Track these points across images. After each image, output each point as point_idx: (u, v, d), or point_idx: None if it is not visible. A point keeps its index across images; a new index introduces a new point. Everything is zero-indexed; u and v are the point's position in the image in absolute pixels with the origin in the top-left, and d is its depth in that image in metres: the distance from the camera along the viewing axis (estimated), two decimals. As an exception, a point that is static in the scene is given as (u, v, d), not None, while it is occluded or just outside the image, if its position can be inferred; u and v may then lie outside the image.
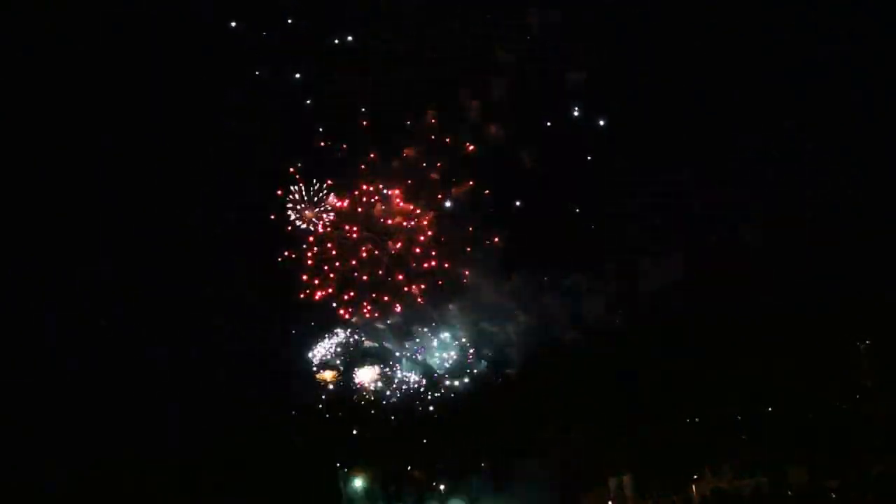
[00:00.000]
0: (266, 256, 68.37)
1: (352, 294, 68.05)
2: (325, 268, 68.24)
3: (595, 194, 66.72)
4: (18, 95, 66.47)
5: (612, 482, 67.01)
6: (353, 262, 68.07)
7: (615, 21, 64.46)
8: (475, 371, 68.80)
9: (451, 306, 67.64)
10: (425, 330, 68.38)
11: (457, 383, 68.96)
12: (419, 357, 68.75)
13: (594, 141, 66.14)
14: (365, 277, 67.96)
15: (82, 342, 68.39)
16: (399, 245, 67.59)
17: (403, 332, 68.14)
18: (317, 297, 68.18)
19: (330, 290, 67.84)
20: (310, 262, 68.26)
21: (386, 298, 67.68)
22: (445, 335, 68.70)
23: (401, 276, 67.91)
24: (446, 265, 67.70)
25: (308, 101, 67.01)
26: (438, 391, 68.62)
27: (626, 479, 66.78)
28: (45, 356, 68.28)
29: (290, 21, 65.97)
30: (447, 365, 68.89)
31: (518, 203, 66.72)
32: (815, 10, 64.25)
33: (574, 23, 64.53)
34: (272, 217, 68.04)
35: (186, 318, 68.49)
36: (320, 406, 69.02)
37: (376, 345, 68.90)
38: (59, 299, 68.94)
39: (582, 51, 64.17)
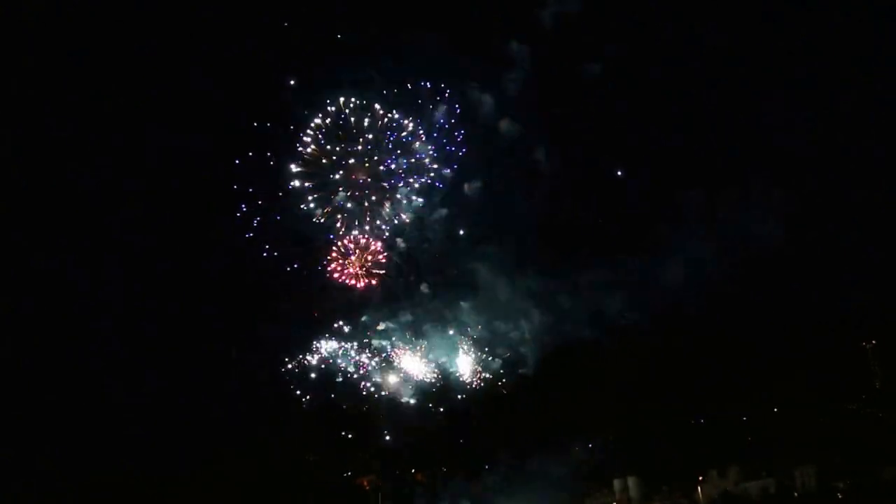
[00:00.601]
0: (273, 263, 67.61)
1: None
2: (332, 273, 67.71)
3: (614, 189, 66.44)
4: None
5: (617, 484, 66.85)
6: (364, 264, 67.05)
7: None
8: (489, 370, 67.99)
9: (463, 304, 66.71)
10: (437, 329, 67.46)
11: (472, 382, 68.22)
12: (431, 357, 67.82)
13: (614, 136, 65.47)
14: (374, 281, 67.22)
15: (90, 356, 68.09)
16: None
17: (415, 332, 67.25)
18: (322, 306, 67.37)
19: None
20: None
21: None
22: (459, 334, 67.87)
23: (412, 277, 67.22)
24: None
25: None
26: (452, 391, 67.79)
27: (632, 480, 66.86)
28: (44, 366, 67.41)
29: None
30: (461, 364, 68.10)
31: (533, 199, 65.86)
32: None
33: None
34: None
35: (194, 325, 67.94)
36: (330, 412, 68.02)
37: (386, 343, 67.88)
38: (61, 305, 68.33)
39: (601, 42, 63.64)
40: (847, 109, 66.39)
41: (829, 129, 66.36)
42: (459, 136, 67.48)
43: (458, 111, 67.10)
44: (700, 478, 65.68)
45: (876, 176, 66.36)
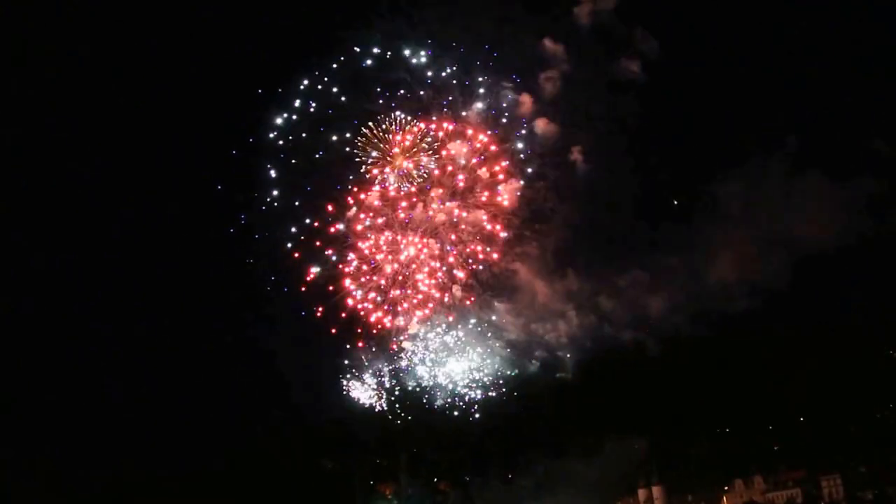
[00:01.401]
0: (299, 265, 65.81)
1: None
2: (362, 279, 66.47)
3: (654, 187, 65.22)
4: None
5: (642, 493, 66.05)
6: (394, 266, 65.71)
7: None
8: (525, 374, 66.73)
9: (497, 305, 65.44)
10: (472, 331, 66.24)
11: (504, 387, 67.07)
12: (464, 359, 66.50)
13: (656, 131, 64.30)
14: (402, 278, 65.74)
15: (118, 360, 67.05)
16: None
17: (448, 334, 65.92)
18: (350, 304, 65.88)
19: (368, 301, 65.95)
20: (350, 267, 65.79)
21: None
22: (493, 338, 66.56)
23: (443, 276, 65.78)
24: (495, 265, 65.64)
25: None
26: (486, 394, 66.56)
27: (657, 490, 65.96)
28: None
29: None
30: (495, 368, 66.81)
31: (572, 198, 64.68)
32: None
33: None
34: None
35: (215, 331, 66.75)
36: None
37: (415, 345, 66.47)
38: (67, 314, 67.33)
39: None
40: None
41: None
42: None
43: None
44: (725, 487, 65.04)
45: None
